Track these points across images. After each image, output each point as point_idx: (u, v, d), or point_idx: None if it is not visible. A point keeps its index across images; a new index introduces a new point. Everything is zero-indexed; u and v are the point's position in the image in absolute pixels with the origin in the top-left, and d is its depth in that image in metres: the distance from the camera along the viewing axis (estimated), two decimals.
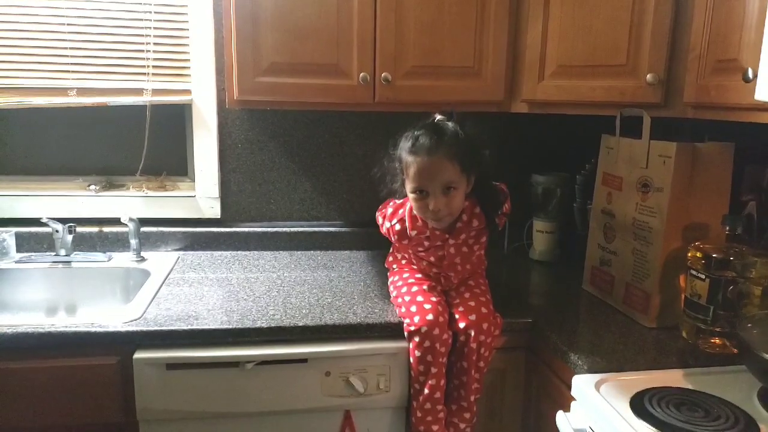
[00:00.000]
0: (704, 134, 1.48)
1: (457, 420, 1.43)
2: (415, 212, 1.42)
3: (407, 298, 1.42)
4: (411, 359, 1.38)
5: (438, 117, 1.42)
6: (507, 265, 1.96)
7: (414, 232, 1.44)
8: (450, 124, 1.39)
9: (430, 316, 1.35)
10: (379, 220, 1.55)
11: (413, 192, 1.37)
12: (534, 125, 2.00)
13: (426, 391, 1.36)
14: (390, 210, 1.50)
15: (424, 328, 1.34)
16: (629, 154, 1.53)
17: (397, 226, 1.47)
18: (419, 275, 1.51)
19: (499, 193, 1.46)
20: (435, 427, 1.38)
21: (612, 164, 1.61)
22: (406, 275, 1.52)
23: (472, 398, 1.42)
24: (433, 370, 1.35)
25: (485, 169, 1.43)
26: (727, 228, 1.32)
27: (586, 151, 1.81)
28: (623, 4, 1.46)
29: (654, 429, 1.01)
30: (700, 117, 1.38)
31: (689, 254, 1.36)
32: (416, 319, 1.36)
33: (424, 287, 1.44)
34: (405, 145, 1.38)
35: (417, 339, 1.35)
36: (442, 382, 1.37)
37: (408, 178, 1.38)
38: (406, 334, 1.38)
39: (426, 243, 1.46)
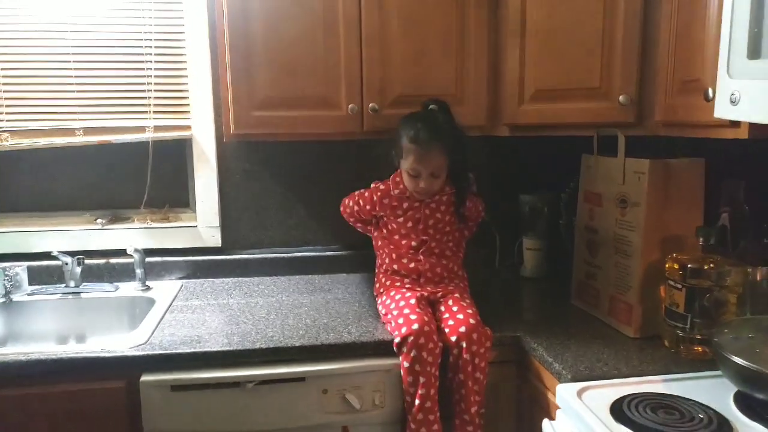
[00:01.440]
0: (688, 150, 1.54)
1: None
2: (405, 184, 1.63)
3: (395, 313, 1.50)
4: (402, 372, 1.44)
5: (431, 106, 1.63)
6: (498, 282, 2.03)
7: (396, 191, 1.65)
8: (441, 116, 1.61)
9: (415, 326, 1.41)
10: (347, 201, 1.75)
11: (408, 171, 1.59)
12: (521, 147, 2.08)
13: (417, 401, 1.41)
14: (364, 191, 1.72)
15: (410, 338, 1.40)
16: (607, 172, 1.60)
17: (381, 186, 1.68)
18: (406, 293, 1.58)
19: (468, 170, 1.70)
20: None
21: (592, 182, 1.68)
22: (393, 293, 1.59)
23: (473, 410, 1.46)
24: (422, 379, 1.40)
25: (463, 151, 1.64)
26: (701, 239, 1.39)
27: (571, 171, 1.89)
28: (594, 30, 1.54)
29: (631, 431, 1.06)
30: (670, 134, 1.45)
31: (667, 265, 1.43)
32: (403, 330, 1.42)
33: (411, 301, 1.52)
34: (407, 132, 1.58)
35: (405, 349, 1.42)
36: (432, 391, 1.42)
37: (405, 160, 1.59)
38: (395, 348, 1.44)
39: (405, 204, 1.64)
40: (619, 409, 1.13)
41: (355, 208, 1.72)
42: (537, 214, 2.06)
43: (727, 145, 1.30)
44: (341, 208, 1.77)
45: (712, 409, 1.12)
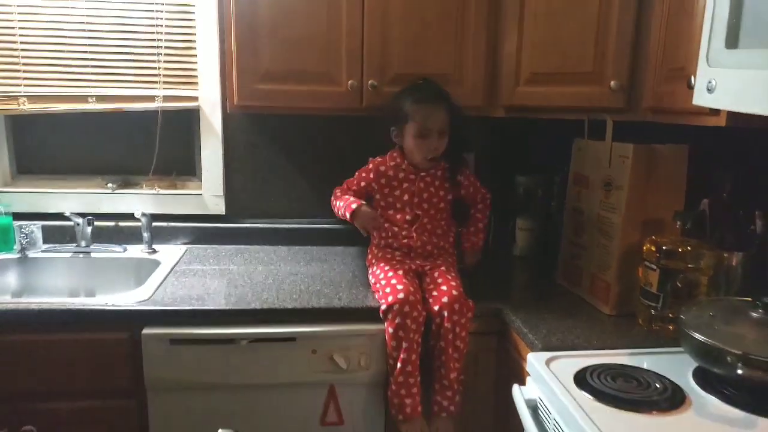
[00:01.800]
0: (680, 137, 1.58)
1: (440, 398, 1.56)
2: (414, 150, 1.69)
3: (383, 282, 1.58)
4: (386, 337, 1.52)
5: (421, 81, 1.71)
6: (490, 261, 2.09)
7: (392, 163, 1.74)
8: (435, 85, 1.70)
9: (401, 295, 1.50)
10: (337, 192, 1.80)
11: (417, 133, 1.66)
12: (518, 129, 2.13)
13: (399, 365, 1.50)
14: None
15: (396, 306, 1.49)
16: (595, 155, 1.66)
17: (378, 158, 1.77)
18: (396, 265, 1.66)
19: (463, 147, 1.79)
20: (408, 401, 1.51)
21: (581, 165, 1.74)
22: (383, 264, 1.67)
23: (452, 376, 1.55)
24: (405, 344, 1.49)
25: (460, 123, 1.71)
26: (678, 223, 1.44)
27: (566, 154, 1.94)
28: (589, 17, 1.58)
29: (591, 397, 1.13)
30: (657, 120, 1.49)
31: (644, 247, 1.48)
32: (390, 298, 1.51)
33: (399, 272, 1.60)
34: (410, 95, 1.67)
35: (390, 316, 1.50)
36: (414, 356, 1.50)
37: (411, 123, 1.66)
38: (381, 315, 1.53)
39: (401, 175, 1.73)
40: (582, 377, 1.20)
41: (345, 185, 1.80)
42: (531, 196, 2.11)
43: (716, 134, 1.34)
44: (332, 199, 1.81)
45: (669, 380, 1.18)
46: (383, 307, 1.52)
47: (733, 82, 1.05)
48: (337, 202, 1.74)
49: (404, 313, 1.49)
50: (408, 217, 1.72)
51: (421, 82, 1.71)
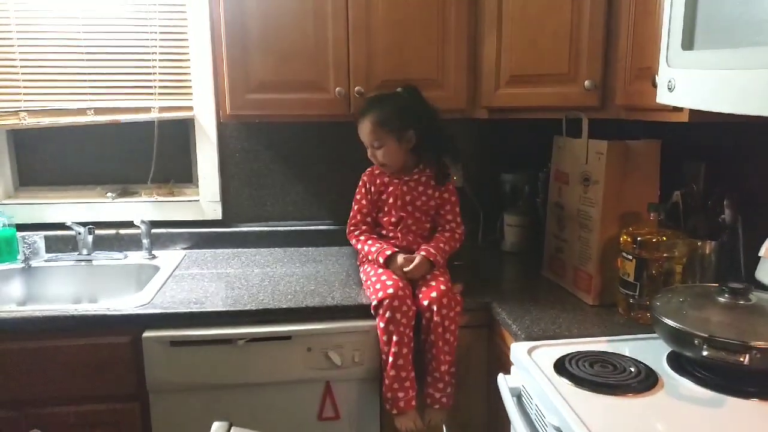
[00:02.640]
0: (654, 133, 1.65)
1: (432, 390, 1.62)
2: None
3: (374, 279, 1.65)
4: (378, 332, 1.59)
5: (399, 89, 1.75)
6: (480, 256, 2.16)
7: (377, 171, 1.81)
8: (399, 90, 1.74)
9: (390, 290, 1.56)
10: (354, 232, 1.83)
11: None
12: (503, 129, 2.20)
13: (391, 359, 1.56)
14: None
15: (386, 300, 1.55)
16: (573, 152, 1.72)
17: (367, 171, 1.83)
18: None
19: (443, 152, 1.78)
20: (401, 394, 1.58)
21: (561, 161, 1.80)
22: (373, 263, 1.73)
23: (443, 368, 1.61)
24: (395, 338, 1.55)
25: (428, 129, 1.73)
26: (652, 214, 1.51)
27: (550, 152, 2.00)
28: (563, 20, 1.66)
29: (569, 382, 1.19)
30: (629, 118, 1.57)
31: (621, 238, 1.55)
32: (380, 294, 1.57)
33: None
34: None
35: (381, 311, 1.57)
36: (405, 350, 1.57)
37: None
38: (372, 311, 1.59)
39: (386, 179, 1.79)
40: (561, 364, 1.26)
41: (356, 219, 1.82)
42: (517, 193, 2.18)
43: (686, 128, 1.40)
44: (349, 237, 1.84)
45: (644, 364, 1.25)
46: (374, 302, 1.58)
47: (690, 81, 1.12)
48: (363, 247, 1.76)
49: (394, 308, 1.55)
50: (393, 219, 1.78)
51: (382, 93, 1.77)
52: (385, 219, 1.80)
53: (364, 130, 1.71)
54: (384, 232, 1.81)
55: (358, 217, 1.82)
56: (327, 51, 1.81)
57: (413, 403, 1.60)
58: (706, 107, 1.08)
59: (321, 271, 1.95)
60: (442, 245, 1.73)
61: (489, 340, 1.72)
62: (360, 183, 1.84)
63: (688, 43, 1.13)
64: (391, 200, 1.78)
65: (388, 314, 1.55)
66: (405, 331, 1.57)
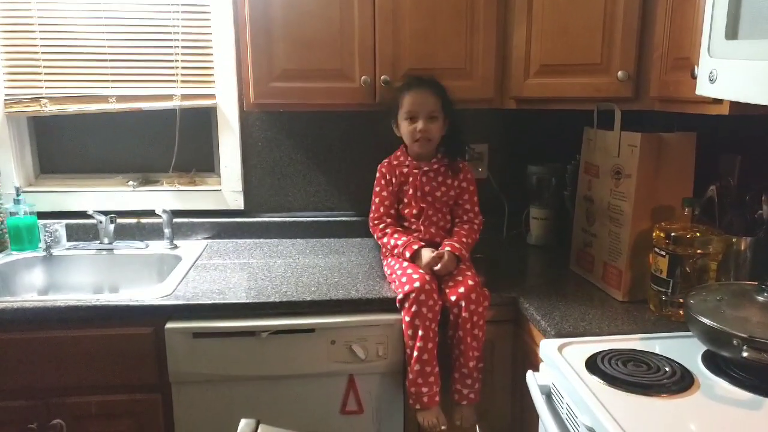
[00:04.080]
0: (690, 125, 1.59)
1: (460, 386, 1.60)
2: (405, 138, 1.75)
3: (399, 273, 1.62)
4: (403, 326, 1.56)
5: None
6: (505, 249, 2.13)
7: (396, 162, 1.78)
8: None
9: (416, 284, 1.54)
10: (378, 225, 1.79)
11: (406, 118, 1.70)
12: (530, 120, 2.15)
13: (415, 353, 1.54)
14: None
15: (412, 294, 1.53)
16: (604, 145, 1.68)
17: (385, 162, 1.81)
18: None
19: (462, 143, 1.80)
20: (425, 390, 1.55)
21: (591, 154, 1.76)
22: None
23: (471, 364, 1.58)
24: (421, 332, 1.53)
25: (454, 122, 1.75)
26: (686, 209, 1.47)
27: (578, 144, 1.96)
28: (596, 9, 1.61)
29: (602, 381, 1.16)
30: (664, 109, 1.52)
31: (654, 234, 1.51)
32: (406, 287, 1.55)
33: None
34: (399, 90, 1.73)
35: (406, 305, 1.54)
36: (431, 345, 1.54)
37: (402, 109, 1.70)
38: (398, 304, 1.57)
39: (405, 170, 1.76)
40: (593, 362, 1.23)
41: (379, 213, 1.78)
42: (544, 185, 2.14)
43: (723, 121, 1.36)
44: (372, 231, 1.81)
45: (679, 363, 1.21)
46: (400, 296, 1.56)
47: (733, 73, 1.08)
48: (390, 240, 1.72)
49: (420, 302, 1.53)
50: (415, 211, 1.75)
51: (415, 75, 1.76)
52: (406, 211, 1.77)
53: (423, 99, 1.68)
54: (406, 224, 1.78)
55: (381, 210, 1.78)
56: (353, 39, 1.77)
57: (437, 398, 1.58)
58: (749, 99, 1.03)
59: (344, 262, 1.93)
60: (464, 239, 1.71)
61: (515, 336, 1.69)
62: (378, 175, 1.80)
63: (731, 33, 1.09)
64: (411, 191, 1.75)
65: (414, 308, 1.53)
66: (430, 325, 1.54)
